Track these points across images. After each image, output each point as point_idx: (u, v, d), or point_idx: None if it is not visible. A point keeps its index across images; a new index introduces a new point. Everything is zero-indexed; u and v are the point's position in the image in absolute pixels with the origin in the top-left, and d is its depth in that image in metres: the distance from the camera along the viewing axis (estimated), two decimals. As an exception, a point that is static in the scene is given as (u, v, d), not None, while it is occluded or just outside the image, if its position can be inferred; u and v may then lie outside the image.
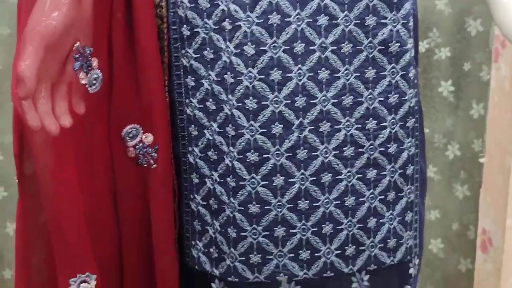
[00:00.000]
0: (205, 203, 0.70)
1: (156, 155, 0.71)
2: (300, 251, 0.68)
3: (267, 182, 0.67)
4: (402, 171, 0.70)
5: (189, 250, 0.74)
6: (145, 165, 0.72)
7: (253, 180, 0.67)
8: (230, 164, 0.67)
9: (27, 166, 0.65)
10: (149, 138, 0.71)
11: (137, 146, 0.71)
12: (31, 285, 0.70)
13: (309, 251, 0.69)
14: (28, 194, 0.67)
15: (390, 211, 0.71)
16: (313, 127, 0.66)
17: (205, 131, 0.68)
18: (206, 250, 0.71)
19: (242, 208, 0.67)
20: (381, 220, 0.70)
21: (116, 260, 0.75)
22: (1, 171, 1.71)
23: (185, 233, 0.74)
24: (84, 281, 0.66)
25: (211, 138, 0.68)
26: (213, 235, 0.70)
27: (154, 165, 0.71)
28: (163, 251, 0.73)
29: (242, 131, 0.66)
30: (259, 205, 0.67)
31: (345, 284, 0.71)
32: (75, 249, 0.65)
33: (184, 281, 0.75)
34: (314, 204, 0.68)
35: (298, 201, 0.67)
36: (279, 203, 0.67)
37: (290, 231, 0.68)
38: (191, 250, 0.73)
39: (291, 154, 0.67)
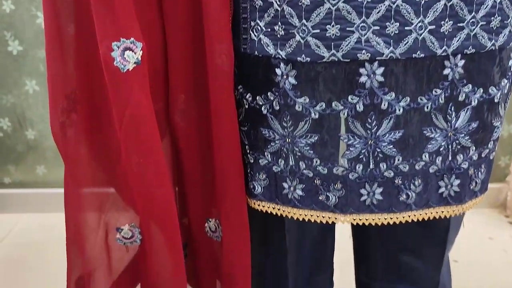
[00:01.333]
0: None
1: None
2: (387, 23, 0.56)
3: None
4: None
5: (246, 34, 0.62)
6: None
7: None
8: None
9: None
10: None
11: None
12: (63, 60, 0.59)
13: (397, 24, 0.56)
14: None
15: None
16: None
17: None
18: (269, 29, 0.59)
19: None
20: None
21: (161, 53, 0.63)
22: (14, 22, 1.57)
23: (242, 14, 0.61)
24: (129, 49, 0.54)
25: None
26: (279, 8, 0.58)
27: None
28: (216, 37, 0.61)
29: None
30: None
31: (436, 68, 0.59)
32: (118, 8, 0.53)
33: (240, 72, 0.64)
34: (409, -39, 0.55)
35: (390, -44, 0.54)
36: None
37: (378, -5, 0.55)
38: (250, 33, 0.61)
39: None
